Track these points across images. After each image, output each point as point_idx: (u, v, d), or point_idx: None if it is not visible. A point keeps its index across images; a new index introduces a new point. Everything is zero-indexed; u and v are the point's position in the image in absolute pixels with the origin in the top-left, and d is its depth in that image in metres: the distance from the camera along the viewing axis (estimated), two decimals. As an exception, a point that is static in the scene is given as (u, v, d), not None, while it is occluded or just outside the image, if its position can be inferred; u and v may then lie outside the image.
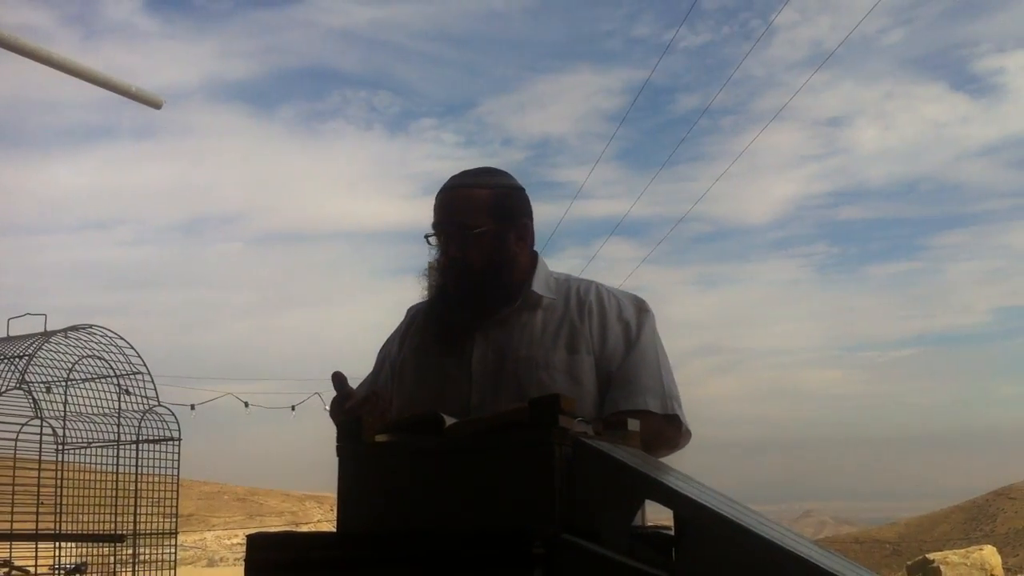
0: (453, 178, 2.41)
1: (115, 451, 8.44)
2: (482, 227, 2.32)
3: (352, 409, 2.12)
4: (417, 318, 2.54)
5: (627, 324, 2.35)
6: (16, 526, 7.68)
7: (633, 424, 1.78)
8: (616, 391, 2.29)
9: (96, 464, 8.67)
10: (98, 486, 8.57)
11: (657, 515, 1.77)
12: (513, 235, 2.38)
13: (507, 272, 2.36)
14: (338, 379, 2.22)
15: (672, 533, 1.45)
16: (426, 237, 2.40)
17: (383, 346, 2.61)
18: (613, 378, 2.30)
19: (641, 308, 2.41)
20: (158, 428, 8.46)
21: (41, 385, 8.29)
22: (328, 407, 2.35)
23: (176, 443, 8.46)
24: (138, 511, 8.33)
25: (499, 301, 2.34)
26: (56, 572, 8.01)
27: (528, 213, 2.44)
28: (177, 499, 8.67)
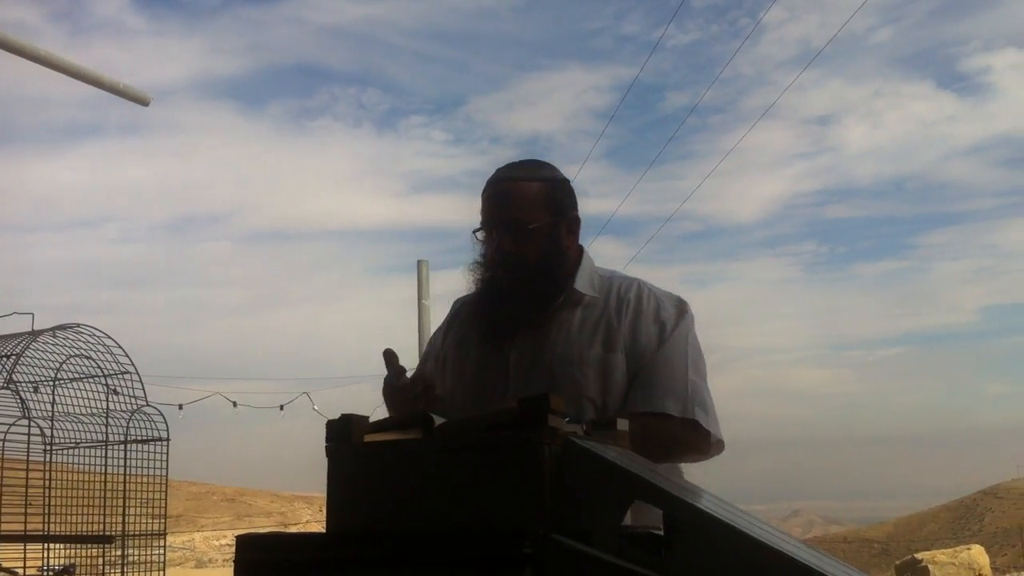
0: (502, 171, 2.39)
1: (103, 451, 8.42)
2: (537, 222, 2.30)
3: (404, 387, 2.16)
4: (463, 311, 2.54)
5: (663, 324, 2.32)
6: (4, 527, 7.66)
7: (622, 424, 1.77)
8: (637, 391, 2.25)
9: (84, 464, 8.65)
10: (86, 487, 8.55)
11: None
12: (564, 229, 2.37)
13: (558, 267, 2.35)
14: (389, 356, 2.22)
15: (662, 533, 1.45)
16: (474, 232, 2.39)
17: (431, 339, 2.62)
18: (637, 378, 2.27)
19: (681, 310, 2.36)
20: (146, 428, 8.45)
21: (29, 385, 8.26)
22: (383, 392, 2.33)
23: (164, 443, 8.44)
24: (127, 512, 8.30)
25: (548, 297, 2.33)
26: (44, 573, 7.98)
27: (576, 206, 2.42)
28: (166, 500, 8.65)
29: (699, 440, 2.26)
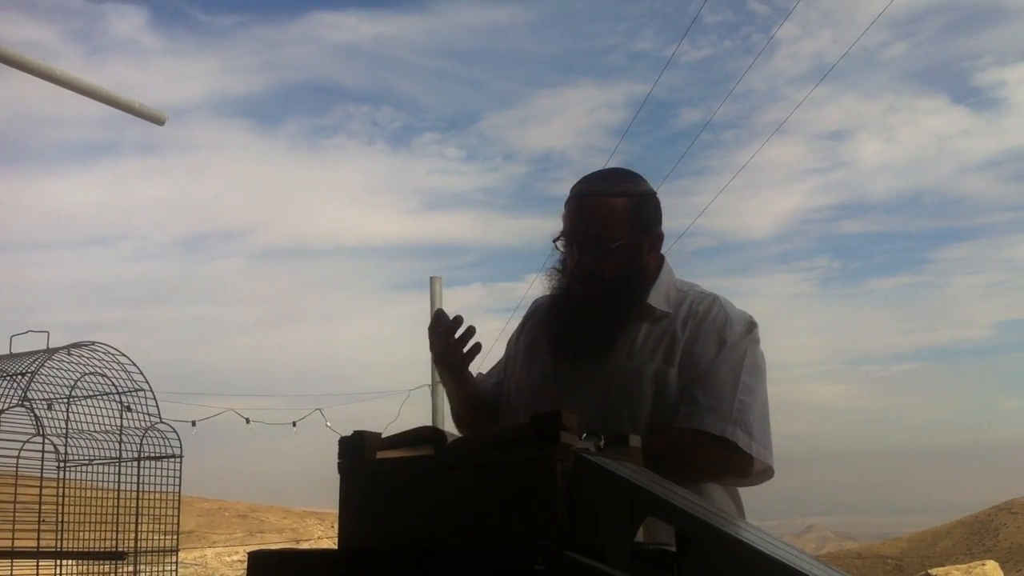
0: (587, 182, 2.34)
1: (117, 468, 8.42)
2: (619, 240, 2.26)
3: (446, 333, 2.32)
4: (538, 314, 2.53)
5: (723, 340, 2.25)
6: (17, 543, 7.66)
7: (634, 440, 1.77)
8: (683, 405, 2.20)
9: (98, 481, 8.64)
10: (100, 503, 8.55)
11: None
12: (647, 245, 2.33)
13: (635, 283, 2.30)
14: (439, 313, 2.35)
15: (674, 550, 1.45)
16: (554, 241, 2.36)
17: (510, 338, 2.64)
18: (686, 391, 2.21)
19: (747, 328, 2.29)
20: (160, 445, 8.45)
21: (43, 402, 8.28)
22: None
23: (178, 460, 8.44)
24: (139, 528, 8.30)
25: (616, 314, 2.28)
26: (57, 590, 7.99)
27: (660, 221, 2.36)
28: (178, 516, 8.65)
29: (737, 462, 2.18)
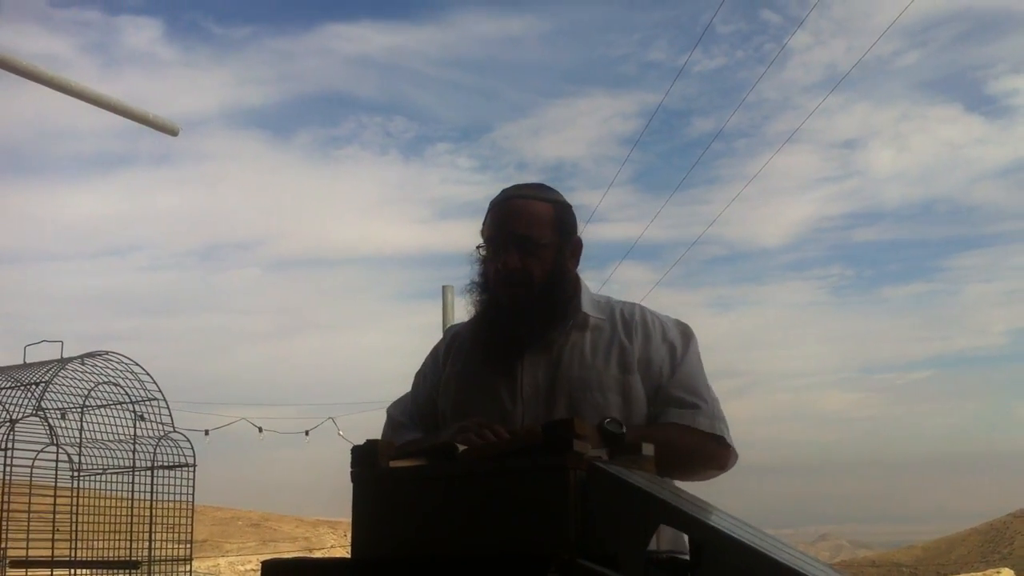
0: (510, 190, 2.37)
1: (130, 477, 8.45)
2: (545, 239, 2.28)
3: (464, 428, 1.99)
4: (457, 340, 2.48)
5: (672, 345, 2.33)
6: (31, 552, 7.68)
7: (647, 449, 1.77)
8: (665, 408, 2.26)
9: (111, 490, 8.67)
10: (113, 512, 8.57)
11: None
12: (568, 251, 2.35)
13: (560, 289, 2.31)
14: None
15: (688, 558, 1.45)
16: (477, 248, 2.35)
17: (419, 369, 2.53)
18: (660, 395, 2.27)
19: (685, 332, 2.38)
20: (173, 454, 8.47)
21: (57, 412, 8.31)
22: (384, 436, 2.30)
23: (191, 469, 8.46)
24: (153, 537, 8.32)
25: (553, 319, 2.29)
26: (71, 599, 8.01)
27: (577, 230, 2.40)
28: (191, 525, 8.66)
29: (721, 456, 2.29)
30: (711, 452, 2.27)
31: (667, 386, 2.28)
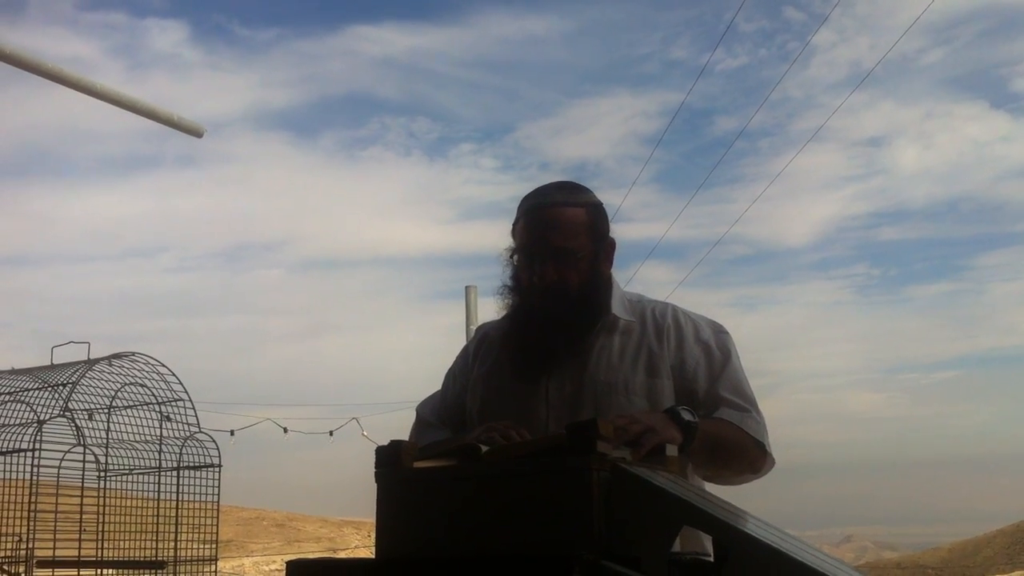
0: (541, 195, 2.30)
1: (156, 478, 8.50)
2: (583, 250, 2.24)
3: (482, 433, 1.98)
4: (487, 340, 2.46)
5: (706, 345, 2.29)
6: (59, 552, 7.74)
7: (671, 450, 1.77)
8: (714, 406, 2.22)
9: (137, 491, 8.73)
10: (139, 513, 8.62)
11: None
12: (602, 255, 2.32)
13: (596, 294, 2.28)
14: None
15: (711, 560, 1.45)
16: (510, 255, 2.32)
17: (450, 368, 2.51)
18: (710, 395, 2.23)
19: (719, 330, 2.34)
20: (199, 455, 8.51)
21: (84, 413, 8.36)
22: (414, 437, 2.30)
23: (217, 470, 8.50)
24: (179, 537, 8.37)
25: (585, 325, 2.26)
26: (98, 599, 8.06)
27: (609, 229, 2.35)
28: (217, 526, 8.70)
29: (759, 463, 2.26)
30: (753, 457, 2.24)
31: (715, 387, 2.24)
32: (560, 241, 2.23)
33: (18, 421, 8.03)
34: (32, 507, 7.61)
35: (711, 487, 2.25)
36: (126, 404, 8.50)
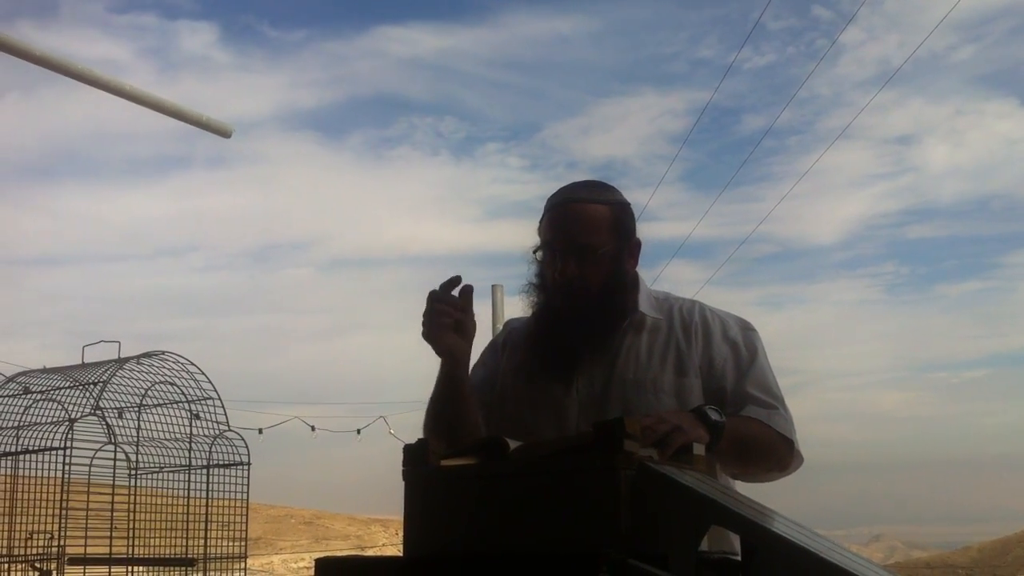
0: (566, 192, 2.31)
1: (186, 476, 8.55)
2: (605, 247, 2.24)
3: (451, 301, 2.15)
4: (514, 336, 2.46)
5: (734, 342, 2.29)
6: (90, 550, 7.80)
7: (698, 448, 1.77)
8: (742, 403, 2.22)
9: (168, 488, 8.78)
10: (169, 510, 8.68)
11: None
12: (627, 254, 2.32)
13: (620, 292, 2.28)
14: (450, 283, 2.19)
15: (739, 559, 1.44)
16: (534, 252, 2.32)
17: (477, 361, 2.45)
18: (737, 392, 2.23)
19: (746, 327, 2.34)
20: (228, 453, 8.56)
21: (114, 411, 8.43)
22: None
23: (246, 467, 8.55)
24: (208, 535, 8.42)
25: (610, 323, 2.27)
26: (129, 595, 8.12)
27: (635, 229, 2.35)
28: (246, 523, 8.75)
29: (786, 460, 2.26)
30: (781, 454, 2.24)
31: (743, 384, 2.24)
32: (582, 237, 2.23)
33: (50, 420, 8.10)
34: (63, 504, 7.68)
35: (739, 486, 2.25)
36: (156, 402, 8.56)
